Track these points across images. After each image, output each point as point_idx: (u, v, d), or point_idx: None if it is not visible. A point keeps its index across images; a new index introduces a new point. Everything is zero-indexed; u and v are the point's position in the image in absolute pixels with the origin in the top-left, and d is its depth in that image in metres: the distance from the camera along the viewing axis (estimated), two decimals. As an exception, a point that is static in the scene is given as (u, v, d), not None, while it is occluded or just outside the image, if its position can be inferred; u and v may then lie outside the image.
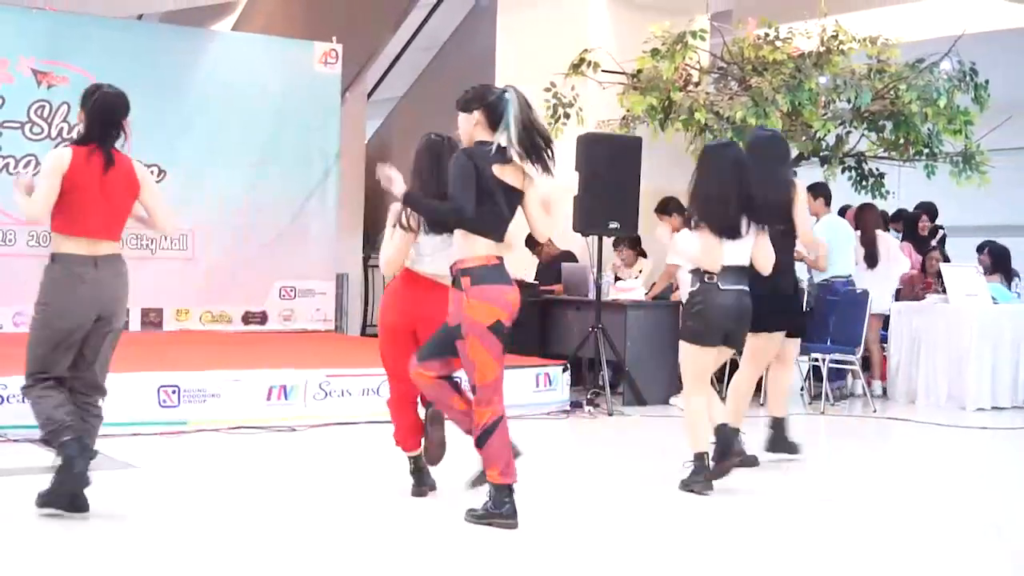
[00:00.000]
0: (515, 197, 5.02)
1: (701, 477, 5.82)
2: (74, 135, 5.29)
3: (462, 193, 4.88)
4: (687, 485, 5.85)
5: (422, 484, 5.60)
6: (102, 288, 4.94)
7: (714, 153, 5.98)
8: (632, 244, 10.04)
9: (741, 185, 5.83)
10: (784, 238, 6.42)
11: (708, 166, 5.90)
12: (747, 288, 5.88)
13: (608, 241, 9.69)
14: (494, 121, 4.95)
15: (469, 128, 5.03)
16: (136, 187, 5.08)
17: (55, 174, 4.89)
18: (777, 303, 6.41)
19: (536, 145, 4.95)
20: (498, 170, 4.93)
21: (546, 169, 5.01)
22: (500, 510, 4.95)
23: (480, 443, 4.98)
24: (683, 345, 5.96)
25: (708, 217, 5.80)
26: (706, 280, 5.83)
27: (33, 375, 4.92)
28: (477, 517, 4.99)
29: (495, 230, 4.99)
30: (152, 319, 11.08)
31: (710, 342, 5.86)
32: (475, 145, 5.00)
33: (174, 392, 7.19)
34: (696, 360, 5.88)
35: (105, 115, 5.04)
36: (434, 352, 5.14)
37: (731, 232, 5.79)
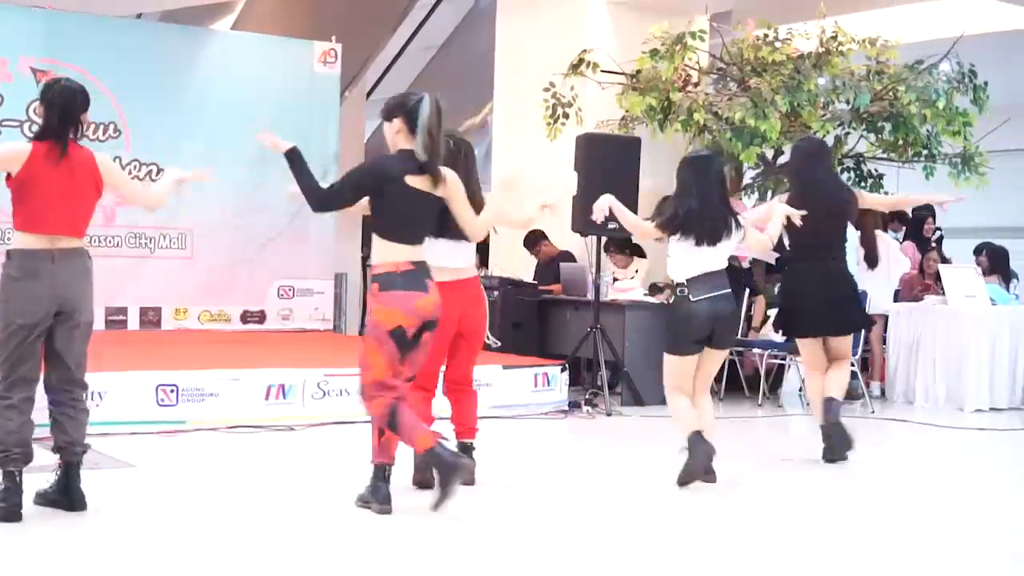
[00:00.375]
0: (433, 203, 5.16)
1: (700, 455, 5.90)
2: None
3: (339, 189, 5.19)
4: (687, 475, 5.90)
5: (423, 472, 5.63)
6: (59, 282, 4.83)
7: (695, 164, 6.13)
8: (621, 247, 9.98)
9: (720, 193, 6.03)
10: (838, 246, 6.79)
11: (689, 177, 6.05)
12: (725, 291, 6.02)
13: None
14: (413, 128, 5.09)
15: (391, 136, 5.18)
16: (99, 182, 4.98)
17: (5, 158, 4.84)
18: (832, 308, 6.74)
19: (434, 155, 5.08)
20: (412, 179, 5.07)
21: (435, 183, 5.13)
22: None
23: (389, 425, 5.02)
24: (665, 354, 6.12)
25: (688, 228, 5.93)
26: (678, 293, 5.99)
27: (4, 380, 4.84)
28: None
29: (408, 237, 5.11)
30: (150, 318, 11.06)
31: (687, 351, 6.01)
32: (397, 153, 5.14)
33: (172, 391, 7.18)
34: (672, 368, 6.06)
35: (63, 109, 4.93)
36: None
37: (711, 240, 5.94)
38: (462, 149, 5.72)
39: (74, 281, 4.89)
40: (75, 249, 4.92)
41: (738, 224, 6.03)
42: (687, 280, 5.96)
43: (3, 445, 4.77)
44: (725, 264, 6.08)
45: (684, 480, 5.89)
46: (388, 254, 5.09)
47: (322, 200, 5.20)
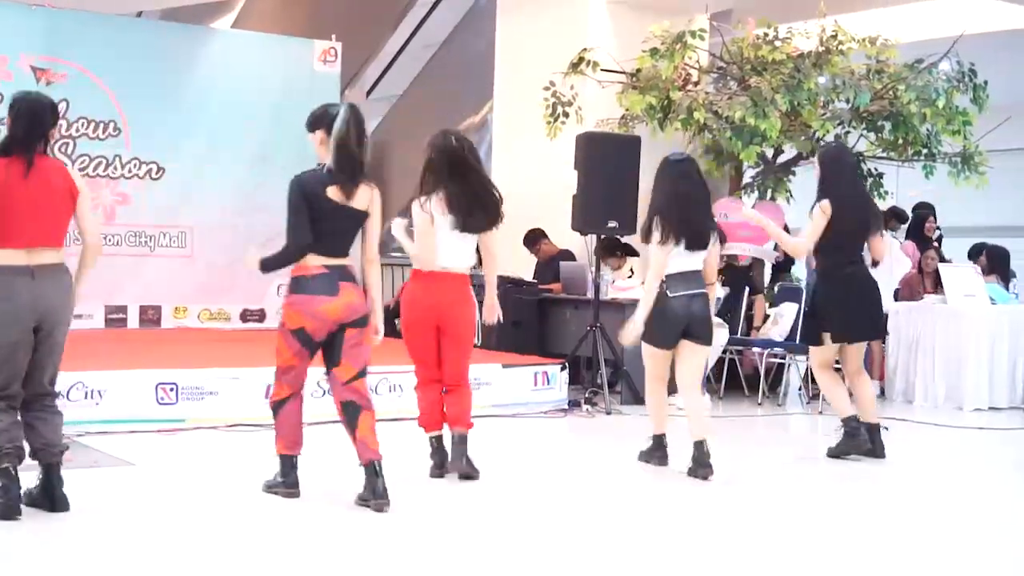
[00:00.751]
0: (353, 215, 5.26)
1: (660, 453, 6.45)
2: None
3: (296, 228, 5.28)
4: (645, 458, 6.50)
5: (442, 465, 5.97)
6: (40, 299, 4.79)
7: (678, 167, 6.37)
8: (611, 250, 9.83)
9: (705, 197, 6.39)
10: (862, 251, 6.92)
11: (675, 182, 6.31)
12: (700, 290, 6.25)
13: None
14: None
15: (316, 147, 5.30)
16: (74, 189, 4.92)
17: None
18: (866, 313, 6.91)
19: (347, 166, 5.16)
20: (333, 191, 5.19)
21: (349, 194, 5.19)
22: (285, 479, 5.34)
23: (273, 412, 5.39)
24: (642, 346, 6.43)
25: (681, 230, 6.18)
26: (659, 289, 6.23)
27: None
28: (268, 486, 5.39)
29: (326, 249, 5.25)
30: (150, 316, 11.07)
31: (663, 344, 6.30)
32: (317, 167, 5.26)
33: (172, 389, 7.18)
34: (650, 358, 6.40)
35: (31, 122, 4.87)
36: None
37: (701, 244, 6.21)
38: (464, 146, 5.87)
39: (56, 299, 4.86)
40: (56, 265, 4.88)
41: (715, 232, 6.34)
42: (667, 276, 6.20)
43: None
44: (699, 267, 6.29)
45: (642, 458, 6.50)
46: (304, 260, 5.26)
47: (297, 252, 5.29)
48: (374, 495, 5.15)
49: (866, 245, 6.98)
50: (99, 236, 5.25)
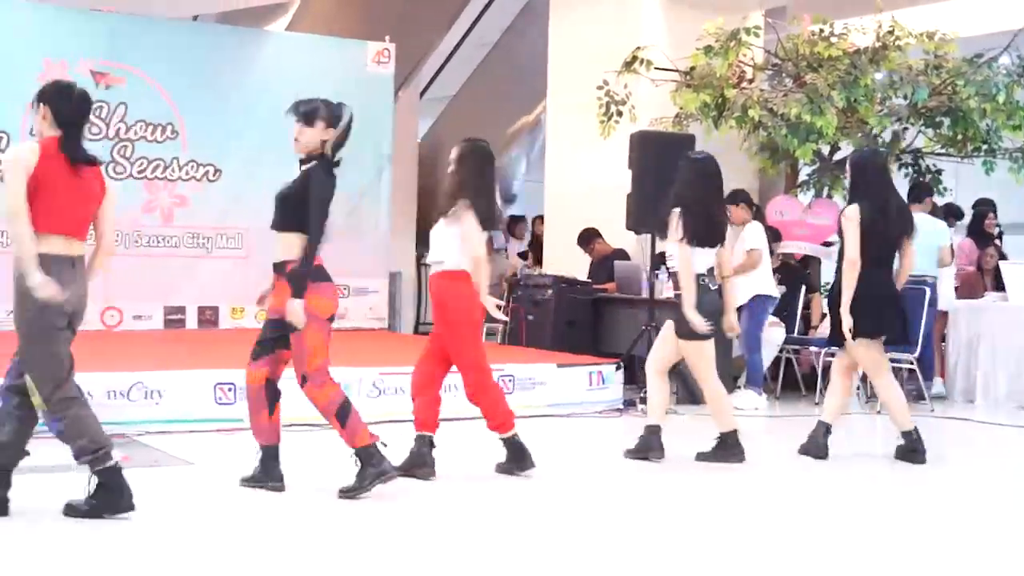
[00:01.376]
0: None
1: (738, 449, 6.57)
2: (33, 132, 5.00)
3: (320, 224, 5.91)
4: (719, 458, 6.57)
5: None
6: (79, 288, 4.81)
7: (702, 168, 6.61)
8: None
9: (721, 196, 6.73)
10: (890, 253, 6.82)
11: (701, 180, 6.57)
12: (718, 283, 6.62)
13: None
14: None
15: (309, 137, 6.00)
16: (103, 192, 4.91)
17: (21, 170, 4.64)
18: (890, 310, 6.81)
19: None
20: None
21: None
22: (377, 468, 5.31)
23: (342, 422, 5.39)
24: (690, 345, 6.50)
25: (705, 229, 6.46)
26: (700, 282, 6.47)
27: (59, 384, 4.74)
28: (353, 490, 5.32)
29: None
30: (208, 317, 11.17)
31: (713, 333, 6.55)
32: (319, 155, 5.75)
33: (230, 389, 7.24)
34: (706, 353, 6.54)
35: (81, 112, 4.89)
36: (267, 350, 5.62)
37: (714, 241, 6.52)
38: (461, 150, 6.12)
39: (85, 290, 4.88)
40: (82, 257, 4.87)
41: (726, 229, 6.67)
42: (707, 271, 6.51)
43: (97, 443, 4.74)
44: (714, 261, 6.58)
45: (706, 459, 6.59)
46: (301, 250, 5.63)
47: (315, 245, 5.87)
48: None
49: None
50: (112, 241, 5.19)
